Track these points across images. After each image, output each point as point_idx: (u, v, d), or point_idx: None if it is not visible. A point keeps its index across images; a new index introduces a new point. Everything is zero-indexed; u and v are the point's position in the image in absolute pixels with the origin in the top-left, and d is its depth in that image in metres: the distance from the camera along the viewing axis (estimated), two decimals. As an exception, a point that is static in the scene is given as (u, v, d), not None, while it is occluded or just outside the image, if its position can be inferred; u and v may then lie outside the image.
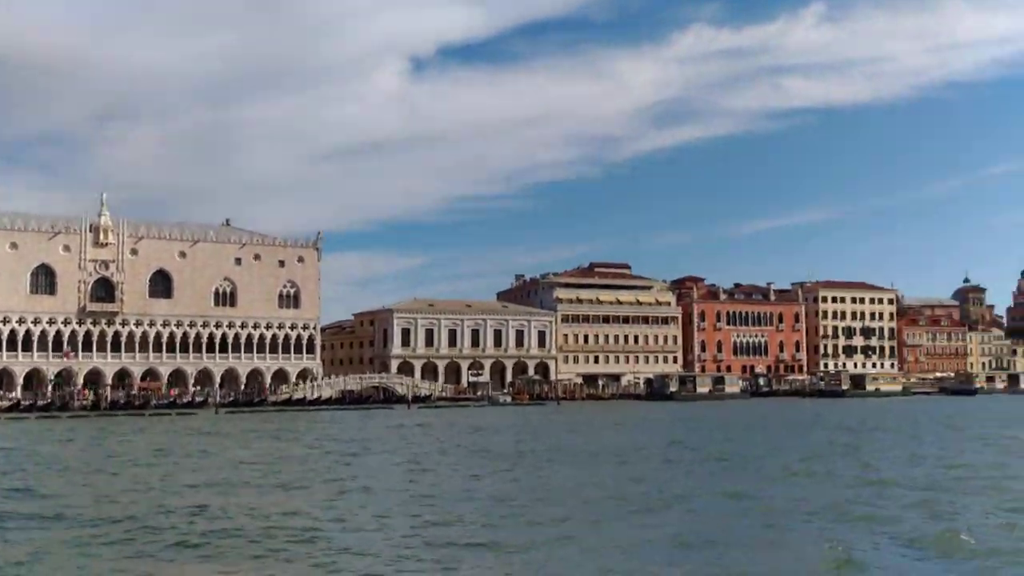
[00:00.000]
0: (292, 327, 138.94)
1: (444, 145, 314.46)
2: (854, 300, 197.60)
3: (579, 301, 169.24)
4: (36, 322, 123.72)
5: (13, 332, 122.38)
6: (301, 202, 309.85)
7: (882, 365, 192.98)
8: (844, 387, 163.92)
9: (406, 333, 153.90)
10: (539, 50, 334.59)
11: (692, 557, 24.79)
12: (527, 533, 28.04)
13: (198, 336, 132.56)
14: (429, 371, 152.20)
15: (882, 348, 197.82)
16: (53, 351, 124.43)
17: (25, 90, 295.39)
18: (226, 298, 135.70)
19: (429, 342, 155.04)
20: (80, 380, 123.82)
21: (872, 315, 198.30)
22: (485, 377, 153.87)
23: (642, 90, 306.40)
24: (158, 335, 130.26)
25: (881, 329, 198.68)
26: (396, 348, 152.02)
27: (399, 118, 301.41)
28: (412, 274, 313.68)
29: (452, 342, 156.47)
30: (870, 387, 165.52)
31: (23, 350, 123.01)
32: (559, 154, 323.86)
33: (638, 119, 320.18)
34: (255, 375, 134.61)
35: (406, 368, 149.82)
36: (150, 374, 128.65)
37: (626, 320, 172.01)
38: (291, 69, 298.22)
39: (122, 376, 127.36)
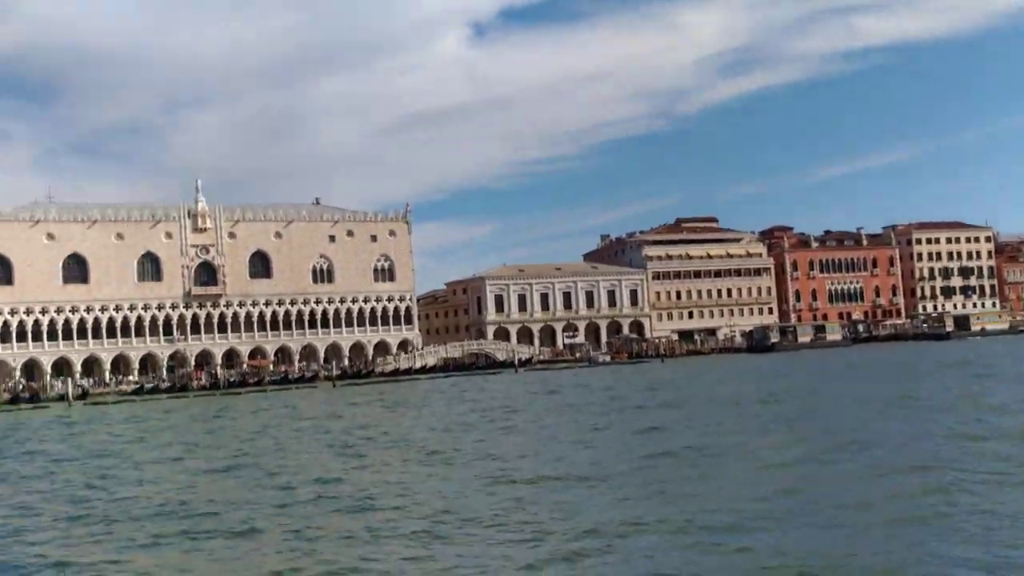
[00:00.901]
0: (389, 299, 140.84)
1: (511, 109, 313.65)
2: (949, 240, 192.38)
3: (668, 258, 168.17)
4: (146, 308, 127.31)
5: (126, 319, 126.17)
6: (372, 176, 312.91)
7: (983, 305, 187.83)
8: (948, 328, 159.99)
9: (499, 299, 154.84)
10: (601, 6, 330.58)
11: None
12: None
13: (299, 313, 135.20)
14: (524, 335, 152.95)
15: (982, 287, 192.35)
16: (164, 335, 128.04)
17: (100, 82, 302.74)
18: (323, 275, 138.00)
19: (522, 307, 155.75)
20: (192, 362, 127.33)
21: (969, 254, 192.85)
22: (580, 338, 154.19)
23: (709, 39, 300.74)
24: (261, 314, 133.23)
25: (979, 268, 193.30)
26: (491, 315, 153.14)
27: (464, 85, 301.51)
28: (487, 241, 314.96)
29: (544, 306, 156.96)
30: (975, 327, 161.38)
31: (136, 336, 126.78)
32: (628, 110, 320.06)
33: (706, 69, 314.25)
34: (357, 348, 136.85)
35: (502, 334, 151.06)
36: (257, 352, 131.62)
37: (717, 274, 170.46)
38: (354, 43, 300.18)
39: (230, 356, 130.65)
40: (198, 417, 70.18)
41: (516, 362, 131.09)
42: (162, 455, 42.85)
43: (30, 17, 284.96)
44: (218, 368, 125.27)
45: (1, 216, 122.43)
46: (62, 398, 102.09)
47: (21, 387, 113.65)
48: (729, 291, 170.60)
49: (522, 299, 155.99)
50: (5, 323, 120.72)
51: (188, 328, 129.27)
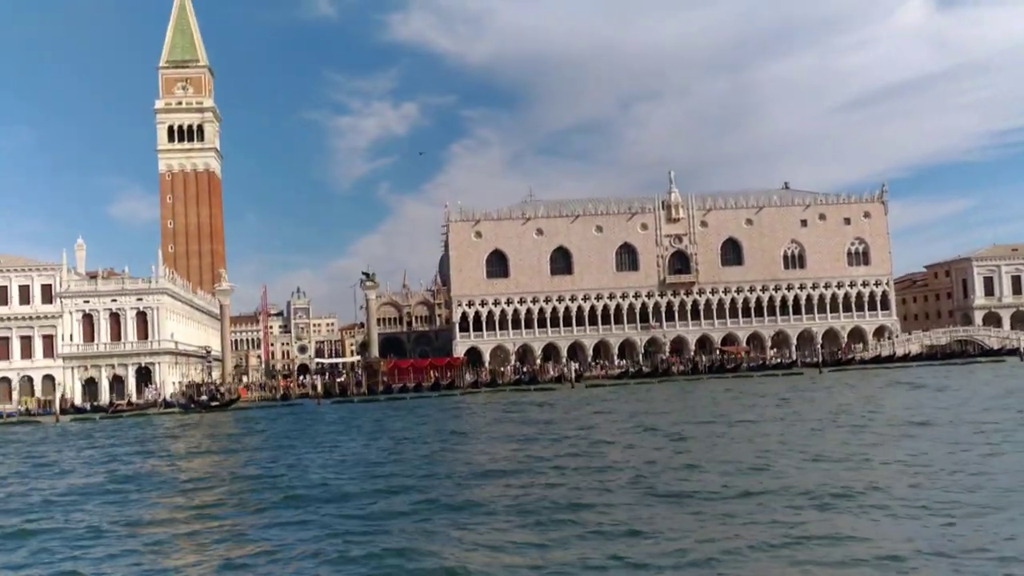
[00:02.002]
0: (864, 284, 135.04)
1: (982, 76, 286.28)
2: None
3: None
4: (624, 297, 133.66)
5: (606, 307, 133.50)
6: (826, 156, 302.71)
7: None
8: None
9: (988, 282, 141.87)
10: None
11: None
12: None
13: (771, 300, 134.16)
14: (1019, 320, 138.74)
15: None
16: (641, 322, 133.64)
17: (560, 85, 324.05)
18: (795, 260, 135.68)
19: (1016, 290, 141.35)
20: (667, 348, 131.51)
21: None
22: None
23: None
24: (733, 301, 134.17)
25: None
26: (979, 299, 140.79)
27: (928, 54, 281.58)
28: (963, 220, 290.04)
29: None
30: None
31: (615, 322, 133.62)
32: None
33: None
34: (831, 335, 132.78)
35: (992, 319, 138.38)
36: (730, 339, 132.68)
37: None
38: (803, 23, 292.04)
39: (703, 342, 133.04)
40: (768, 395, 69.40)
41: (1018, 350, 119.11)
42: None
43: (500, 30, 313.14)
44: (691, 354, 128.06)
45: (499, 215, 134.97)
46: (558, 380, 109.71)
47: (517, 368, 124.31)
48: None
49: (1016, 281, 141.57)
50: (503, 312, 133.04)
51: (663, 315, 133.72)
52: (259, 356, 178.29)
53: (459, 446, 43.23)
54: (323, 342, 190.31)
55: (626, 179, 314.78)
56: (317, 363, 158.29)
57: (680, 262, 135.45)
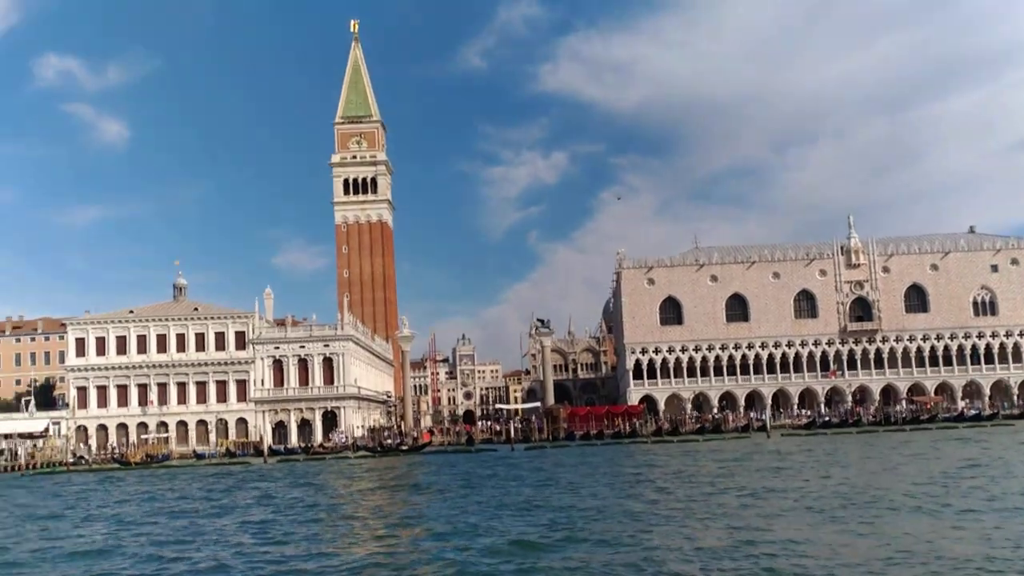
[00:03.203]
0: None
1: None
2: None
3: None
4: (803, 344, 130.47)
5: (784, 355, 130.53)
6: (1003, 196, 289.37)
7: None
8: None
9: None
10: None
11: None
12: None
13: (960, 348, 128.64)
14: None
15: None
16: (821, 370, 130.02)
17: (711, 130, 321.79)
18: (985, 307, 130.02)
19: None
20: (848, 397, 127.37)
21: None
22: None
23: None
24: (919, 349, 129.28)
25: None
26: None
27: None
28: None
29: None
30: None
31: (795, 371, 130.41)
32: None
33: None
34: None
35: None
36: (916, 388, 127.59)
37: None
38: (970, 60, 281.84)
39: (886, 391, 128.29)
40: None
41: None
42: None
43: (649, 77, 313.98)
44: (875, 403, 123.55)
45: (671, 262, 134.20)
46: (743, 429, 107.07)
47: (697, 417, 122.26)
48: None
49: None
50: (677, 359, 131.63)
51: (845, 363, 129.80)
52: (428, 401, 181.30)
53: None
54: (487, 388, 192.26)
55: (782, 223, 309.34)
56: (497, 408, 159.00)
57: (861, 309, 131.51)
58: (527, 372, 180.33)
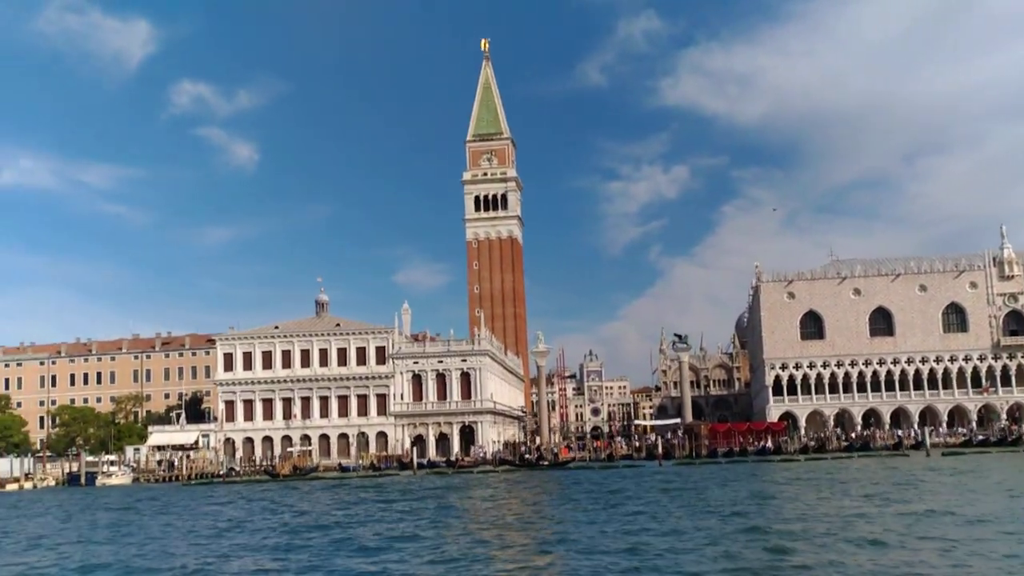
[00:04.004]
0: None
1: None
2: None
3: None
4: (952, 360, 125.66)
5: (932, 371, 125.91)
6: None
7: None
8: None
9: None
10: None
11: None
12: None
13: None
14: None
15: None
16: (972, 387, 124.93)
17: (837, 141, 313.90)
18: None
19: None
20: (1003, 415, 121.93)
21: None
22: None
23: None
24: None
25: None
26: None
27: None
28: None
29: None
30: None
31: (943, 387, 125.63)
32: None
33: None
34: None
35: None
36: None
37: None
38: None
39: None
40: None
41: None
42: None
43: (771, 89, 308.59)
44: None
45: (812, 275, 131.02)
46: (895, 447, 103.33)
47: (844, 435, 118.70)
48: None
49: None
50: (818, 375, 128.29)
51: (998, 379, 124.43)
52: (555, 417, 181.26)
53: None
54: (615, 405, 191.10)
55: (913, 235, 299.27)
56: (636, 425, 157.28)
57: (1016, 322, 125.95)
58: (657, 388, 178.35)
